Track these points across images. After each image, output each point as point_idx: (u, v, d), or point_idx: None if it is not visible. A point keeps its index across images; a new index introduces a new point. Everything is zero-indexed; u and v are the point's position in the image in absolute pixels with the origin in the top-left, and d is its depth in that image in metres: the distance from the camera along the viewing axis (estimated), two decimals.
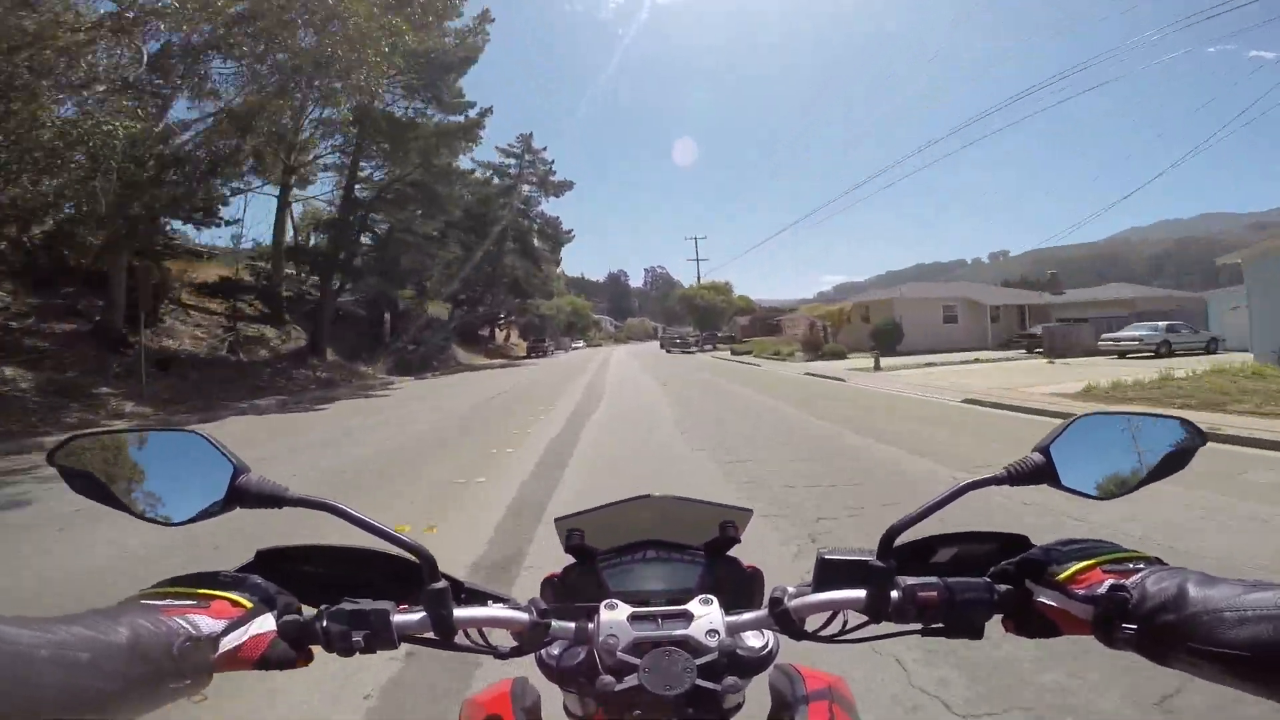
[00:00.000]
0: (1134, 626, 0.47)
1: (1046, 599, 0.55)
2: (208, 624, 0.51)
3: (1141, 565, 0.52)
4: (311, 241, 28.68)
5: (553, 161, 46.17)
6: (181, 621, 0.49)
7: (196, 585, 0.54)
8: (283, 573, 0.60)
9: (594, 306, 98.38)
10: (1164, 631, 0.46)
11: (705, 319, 57.79)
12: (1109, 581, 0.51)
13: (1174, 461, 0.62)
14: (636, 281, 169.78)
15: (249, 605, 0.54)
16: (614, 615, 0.61)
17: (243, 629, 0.53)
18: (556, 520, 0.75)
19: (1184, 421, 0.63)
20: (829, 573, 0.63)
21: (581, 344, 74.37)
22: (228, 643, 0.51)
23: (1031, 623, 0.57)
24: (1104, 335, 22.30)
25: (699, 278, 69.58)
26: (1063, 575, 0.54)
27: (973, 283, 52.84)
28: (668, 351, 47.15)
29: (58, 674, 0.40)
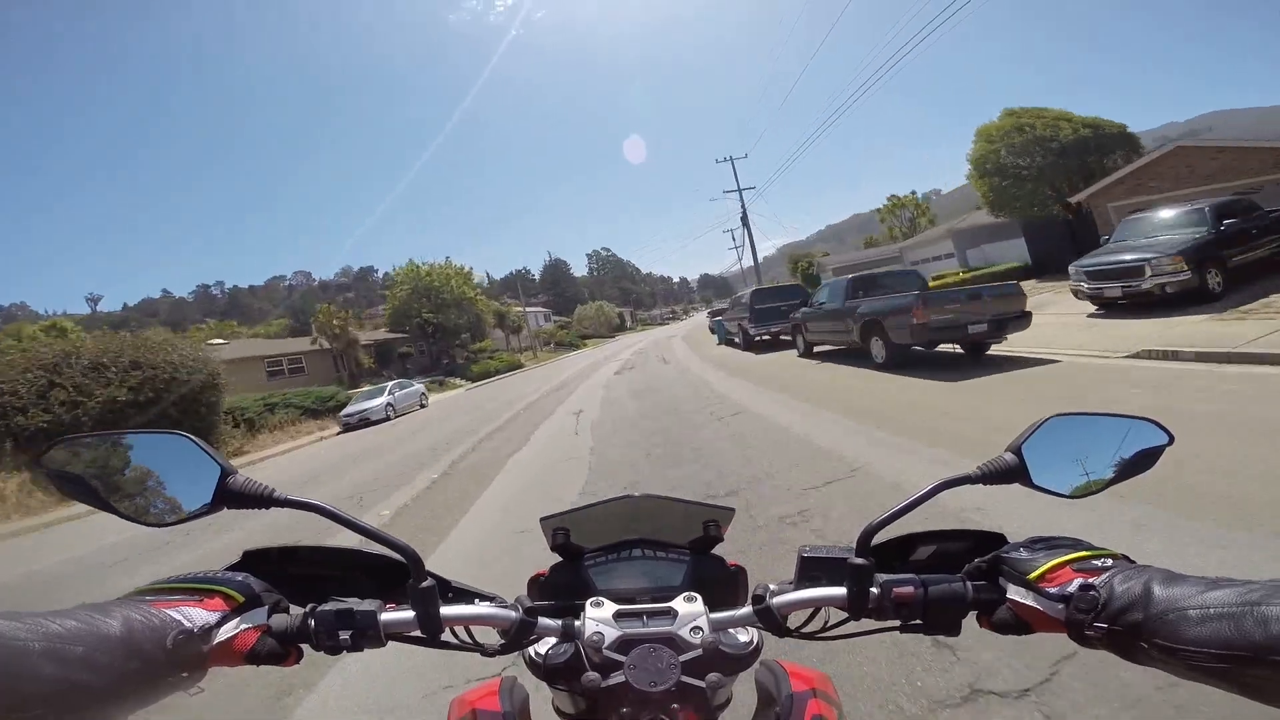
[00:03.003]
0: (1105, 625, 0.48)
1: (1019, 597, 0.56)
2: (201, 616, 0.50)
3: (1109, 563, 0.53)
4: None
5: None
6: (175, 614, 0.49)
7: (191, 583, 0.54)
8: (271, 573, 0.59)
9: (486, 292, 50.59)
10: (1133, 630, 0.47)
11: None
12: (1078, 580, 0.52)
13: (1142, 460, 0.62)
14: (580, 270, 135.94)
15: (240, 599, 0.54)
16: (600, 613, 0.61)
17: (234, 622, 0.53)
18: (542, 520, 0.73)
19: (1152, 421, 0.63)
20: (810, 569, 0.64)
21: (412, 394, 21.91)
22: (220, 635, 0.51)
23: (1005, 620, 0.58)
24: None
25: (743, 200, 34.31)
26: (1033, 574, 0.55)
27: None
28: None
29: (51, 668, 0.39)
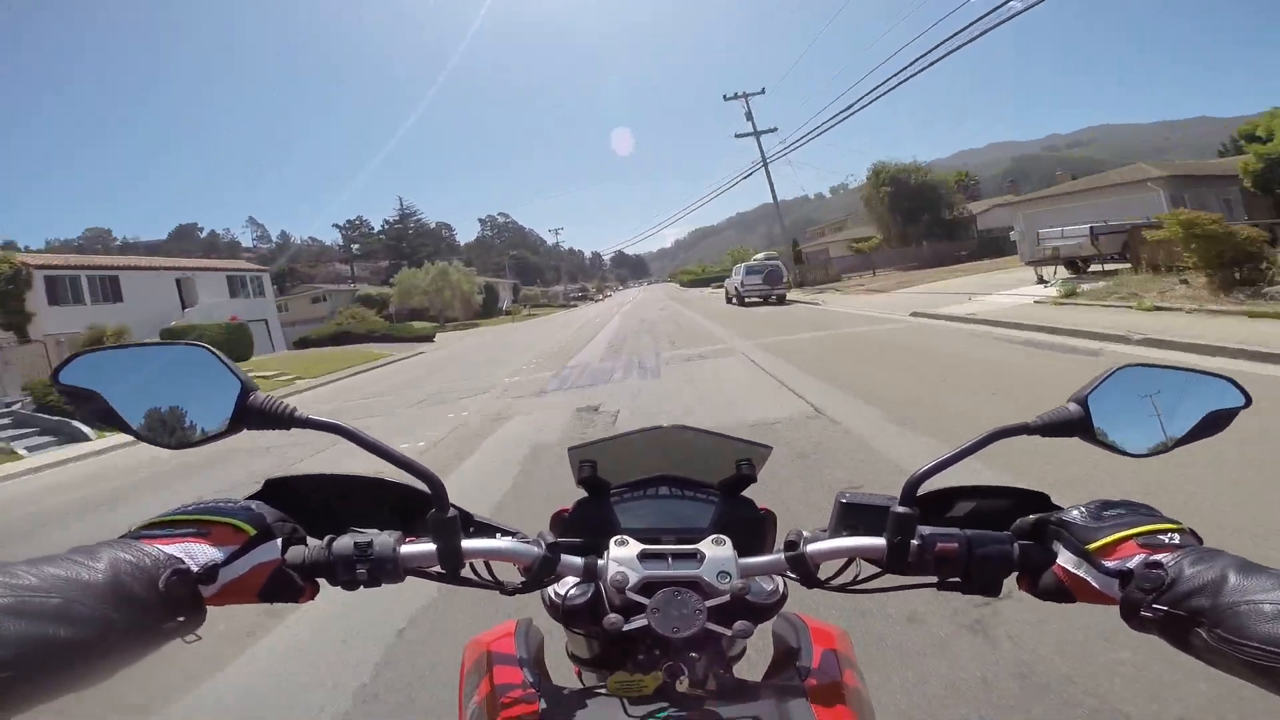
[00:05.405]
0: (1164, 608, 0.44)
1: (1069, 565, 0.52)
2: (207, 553, 0.47)
3: (1176, 539, 0.49)
4: None
5: None
6: (171, 551, 0.45)
7: (198, 515, 0.51)
8: (291, 503, 0.57)
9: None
10: (1194, 617, 0.43)
11: None
12: (1140, 556, 0.48)
13: (1216, 422, 0.59)
14: (468, 235, 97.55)
15: (251, 532, 0.50)
16: (624, 552, 0.58)
17: (245, 558, 0.49)
18: (570, 449, 0.70)
19: (1229, 380, 0.59)
20: (848, 517, 0.62)
21: None
22: (229, 573, 0.48)
23: (1049, 586, 0.54)
24: None
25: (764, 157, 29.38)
26: (1093, 545, 0.51)
27: None
28: None
29: (18, 624, 0.36)
